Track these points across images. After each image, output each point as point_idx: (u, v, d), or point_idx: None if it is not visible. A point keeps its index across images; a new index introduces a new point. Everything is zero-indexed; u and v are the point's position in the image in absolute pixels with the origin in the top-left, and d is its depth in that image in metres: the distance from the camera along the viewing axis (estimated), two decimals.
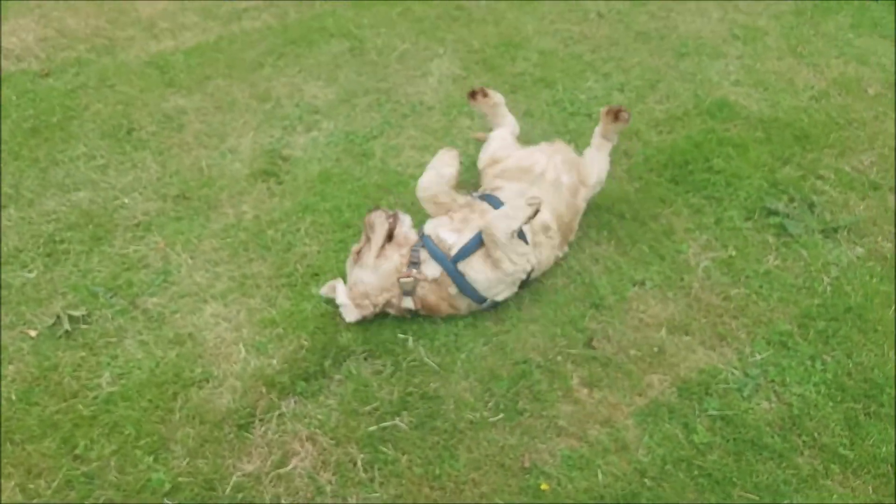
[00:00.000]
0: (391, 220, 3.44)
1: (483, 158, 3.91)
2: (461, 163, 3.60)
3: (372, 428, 3.11)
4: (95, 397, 3.25)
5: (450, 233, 3.37)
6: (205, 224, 4.02)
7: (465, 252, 3.28)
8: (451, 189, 3.47)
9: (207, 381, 3.32)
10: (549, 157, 3.74)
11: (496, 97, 4.00)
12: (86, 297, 3.65)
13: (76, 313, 3.57)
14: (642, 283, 3.65)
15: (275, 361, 3.37)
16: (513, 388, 3.22)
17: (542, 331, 3.45)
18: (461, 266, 3.30)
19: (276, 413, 3.19)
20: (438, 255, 3.31)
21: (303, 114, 4.78)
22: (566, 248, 3.69)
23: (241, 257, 3.83)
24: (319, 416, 3.16)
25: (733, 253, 3.78)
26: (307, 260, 3.81)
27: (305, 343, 3.42)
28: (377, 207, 3.49)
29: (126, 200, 4.19)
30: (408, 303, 3.37)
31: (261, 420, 3.17)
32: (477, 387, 3.24)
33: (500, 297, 3.40)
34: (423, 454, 3.03)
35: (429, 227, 3.43)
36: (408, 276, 3.31)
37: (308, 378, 3.30)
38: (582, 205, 3.79)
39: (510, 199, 3.40)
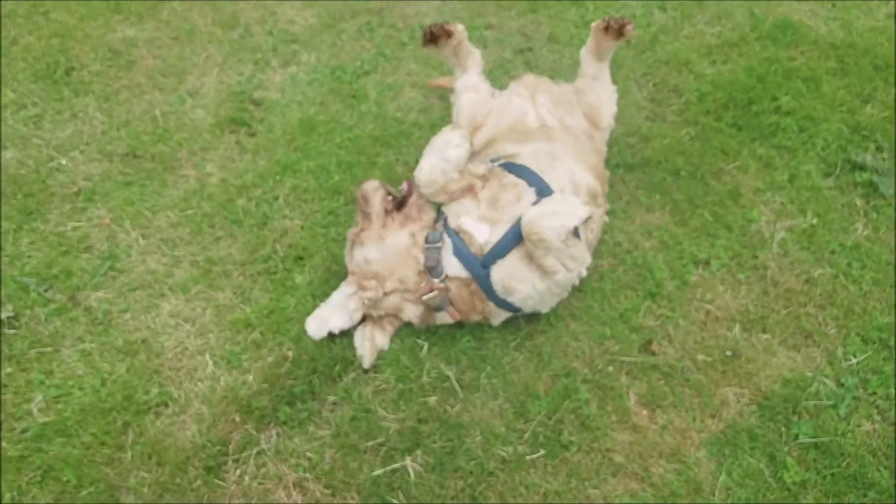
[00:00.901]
0: (404, 189, 2.69)
1: (463, 124, 2.96)
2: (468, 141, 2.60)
3: (377, 472, 2.44)
4: (24, 431, 2.56)
5: (480, 224, 2.53)
6: (160, 191, 3.24)
7: (501, 252, 2.48)
8: (461, 172, 2.57)
9: (167, 406, 2.63)
10: (533, 102, 2.95)
11: (459, 32, 2.93)
12: (13, 293, 2.91)
13: (3, 314, 2.83)
14: (707, 264, 2.93)
15: (251, 378, 2.67)
16: (554, 412, 2.55)
17: (586, 331, 2.75)
18: (497, 272, 2.49)
19: (255, 450, 2.51)
20: (466, 257, 2.51)
21: (277, 44, 3.91)
22: (607, 206, 2.94)
23: (205, 235, 3.07)
24: (310, 455, 2.49)
25: (814, 221, 3.05)
26: (288, 238, 3.05)
27: (289, 353, 2.72)
28: (370, 180, 2.71)
29: (63, 161, 3.38)
30: (443, 318, 2.64)
31: (235, 460, 2.50)
32: (509, 410, 2.56)
33: (546, 309, 2.66)
34: None
35: (451, 215, 2.61)
36: (430, 291, 2.55)
37: (293, 401, 2.61)
38: (604, 149, 3.03)
39: (547, 174, 2.60)
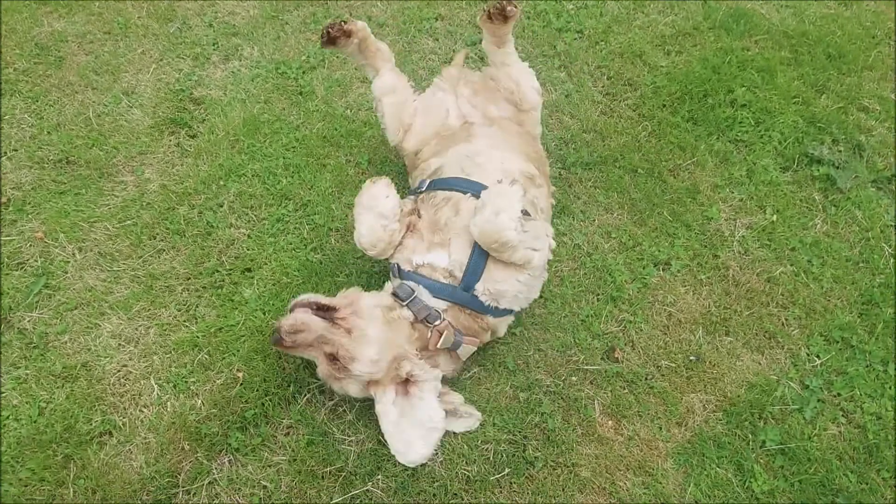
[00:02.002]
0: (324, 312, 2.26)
1: (391, 129, 2.81)
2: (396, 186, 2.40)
3: (337, 499, 2.34)
4: None
5: (432, 253, 2.36)
6: (96, 200, 3.05)
7: (475, 272, 2.31)
8: (399, 221, 2.38)
9: (111, 435, 2.48)
10: (455, 95, 2.83)
11: (360, 29, 2.68)
12: None
13: None
14: (667, 265, 2.88)
15: (200, 403, 2.53)
16: (518, 428, 2.47)
17: (549, 340, 2.67)
18: (481, 288, 2.32)
19: (207, 480, 2.39)
20: (445, 291, 2.33)
21: (218, 37, 3.70)
22: (552, 187, 2.84)
23: (145, 248, 2.90)
24: (265, 483, 2.38)
25: (773, 218, 3.02)
26: (235, 249, 2.90)
27: (239, 374, 2.59)
28: (279, 326, 2.20)
29: None
30: (466, 350, 2.40)
31: (186, 492, 2.37)
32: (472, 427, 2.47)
33: (537, 294, 2.51)
34: None
35: (402, 263, 2.41)
36: (439, 336, 2.31)
37: (246, 426, 2.49)
38: (537, 129, 2.89)
39: (476, 174, 2.48)
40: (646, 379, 2.60)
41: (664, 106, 3.41)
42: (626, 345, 2.68)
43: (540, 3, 3.83)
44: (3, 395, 2.55)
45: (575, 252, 2.91)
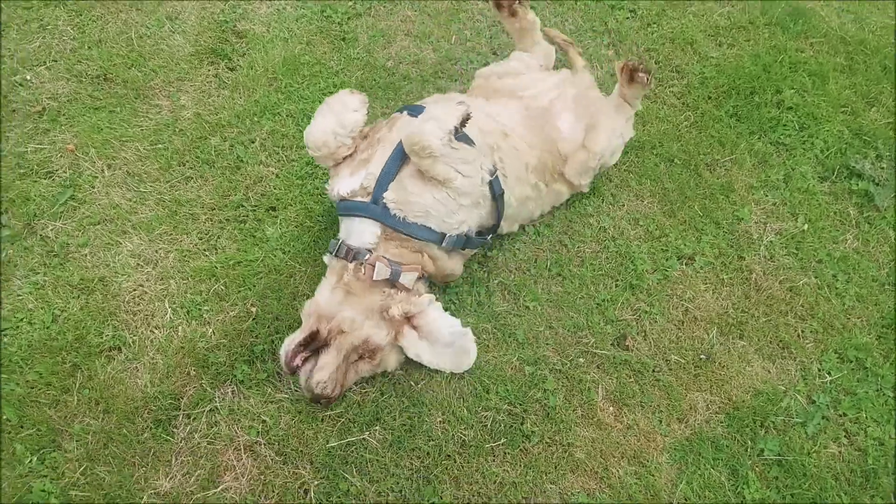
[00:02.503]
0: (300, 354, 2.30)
1: (487, 69, 2.92)
2: (369, 109, 2.47)
3: (333, 443, 2.37)
4: None
5: (356, 177, 2.38)
6: (130, 120, 3.05)
7: (384, 182, 2.30)
8: (353, 139, 2.44)
9: (119, 351, 2.51)
10: (555, 88, 2.82)
11: (526, 20, 2.90)
12: None
13: None
14: (691, 260, 2.85)
15: (211, 331, 2.56)
16: (520, 400, 2.48)
17: (562, 318, 2.67)
18: (391, 195, 2.30)
19: (208, 407, 2.42)
20: (357, 207, 2.34)
21: None
22: (585, 181, 2.83)
23: (174, 173, 2.91)
24: (265, 418, 2.41)
25: (805, 227, 2.97)
26: (262, 186, 2.90)
27: (253, 309, 2.61)
28: (290, 364, 2.28)
29: (28, 76, 3.16)
30: (407, 279, 2.38)
31: (187, 416, 2.41)
32: (473, 392, 2.49)
33: (466, 226, 2.44)
34: (396, 485, 2.32)
35: (332, 191, 2.46)
36: (370, 268, 2.33)
37: (253, 360, 2.51)
38: (573, 171, 2.77)
39: (431, 104, 2.49)
40: (653, 371, 2.59)
41: (709, 98, 3.35)
42: (638, 334, 2.67)
43: None
44: (20, 298, 2.58)
45: (600, 235, 2.89)
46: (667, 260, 2.84)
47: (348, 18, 3.50)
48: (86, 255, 2.69)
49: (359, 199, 2.35)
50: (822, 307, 2.78)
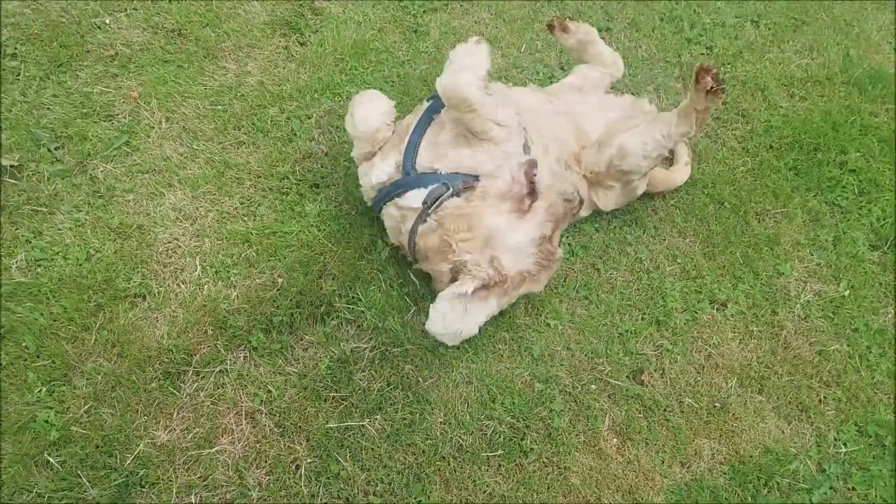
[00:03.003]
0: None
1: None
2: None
3: (332, 424, 2.38)
4: None
5: (386, 162, 2.44)
6: (196, 78, 3.11)
7: (414, 140, 2.37)
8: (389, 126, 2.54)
9: (144, 299, 2.57)
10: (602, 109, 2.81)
11: (580, 32, 2.89)
12: (23, 142, 2.83)
13: (5, 161, 2.76)
14: (724, 306, 2.79)
15: (234, 294, 2.60)
16: (524, 415, 2.46)
17: (581, 342, 2.64)
18: (421, 156, 2.36)
19: (218, 368, 2.46)
20: (397, 185, 2.40)
21: None
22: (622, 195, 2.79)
23: (228, 136, 2.96)
24: (271, 388, 2.43)
25: (846, 293, 2.88)
26: (310, 162, 2.94)
27: (279, 280, 2.64)
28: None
29: (107, 20, 3.25)
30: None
31: (196, 373, 2.45)
32: (479, 399, 2.48)
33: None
34: (386, 477, 2.32)
35: (367, 183, 2.53)
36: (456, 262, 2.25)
37: (270, 330, 2.54)
38: (588, 158, 2.68)
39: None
40: (664, 410, 2.54)
41: (771, 147, 3.27)
42: (655, 370, 2.62)
43: (678, 8, 3.70)
44: (60, 232, 2.66)
45: (635, 265, 2.85)
46: (699, 302, 2.79)
47: (424, 12, 3.52)
48: (129, 202, 2.76)
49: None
50: (849, 377, 2.70)
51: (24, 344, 2.41)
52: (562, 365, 2.58)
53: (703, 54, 3.55)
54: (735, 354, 2.70)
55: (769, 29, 3.75)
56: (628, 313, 2.73)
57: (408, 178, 2.33)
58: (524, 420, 2.45)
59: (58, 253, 2.61)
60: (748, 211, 3.05)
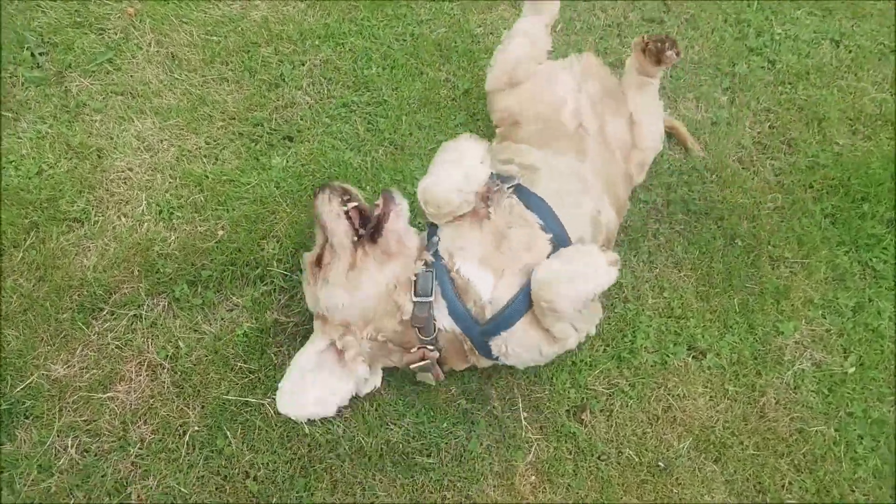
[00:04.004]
0: (379, 208, 2.02)
1: (496, 74, 2.41)
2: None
3: (231, 396, 2.22)
4: None
5: (482, 271, 1.97)
6: (199, 3, 2.94)
7: (508, 322, 1.95)
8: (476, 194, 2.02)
9: (81, 226, 2.47)
10: (579, 88, 2.37)
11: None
12: (9, 42, 2.74)
13: None
14: (702, 355, 2.47)
15: (172, 238, 2.46)
16: (438, 431, 2.24)
17: None
18: (500, 340, 1.98)
19: (133, 312, 2.34)
20: (463, 320, 1.97)
21: None
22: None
23: (214, 70, 2.80)
24: (181, 344, 2.30)
25: (852, 369, 2.50)
26: (290, 112, 2.75)
27: (221, 232, 2.48)
28: (327, 186, 2.01)
29: None
30: (426, 378, 2.14)
31: (111, 313, 2.34)
32: (393, 403, 2.27)
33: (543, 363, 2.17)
34: (272, 464, 2.16)
35: (445, 240, 2.04)
36: (422, 359, 2.03)
37: (197, 283, 2.40)
38: (640, 177, 2.56)
39: (567, 208, 2.09)
40: (598, 457, 2.27)
41: (810, 187, 2.86)
42: (601, 411, 2.34)
43: (747, 11, 3.26)
44: (19, 141, 2.57)
45: (613, 290, 2.54)
46: (674, 345, 2.48)
47: None
48: (95, 122, 2.65)
49: (468, 306, 1.98)
50: (827, 466, 2.34)
51: None
52: (496, 385, 2.33)
53: (762, 67, 3.13)
54: (699, 412, 2.38)
55: (849, 52, 3.27)
56: (589, 341, 2.45)
57: (478, 340, 2.03)
58: (436, 436, 2.23)
59: (11, 162, 2.54)
60: (762, 253, 2.68)
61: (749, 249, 2.68)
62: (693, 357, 2.47)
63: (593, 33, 3.09)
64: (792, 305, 2.59)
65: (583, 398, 2.35)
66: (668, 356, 2.45)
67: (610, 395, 2.37)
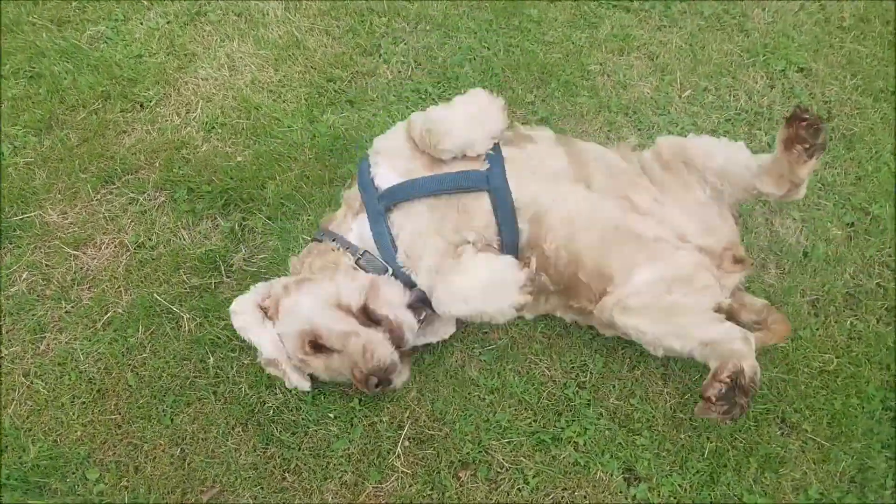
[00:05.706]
0: None
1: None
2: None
3: (161, 297, 2.32)
4: None
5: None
6: None
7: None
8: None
9: (141, 109, 2.73)
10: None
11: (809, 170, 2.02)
12: None
13: None
14: (635, 481, 2.14)
15: (202, 148, 2.64)
16: (318, 417, 2.17)
17: (441, 398, 2.21)
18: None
19: (134, 196, 2.53)
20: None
21: None
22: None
23: (324, 22, 2.92)
24: (154, 236, 2.47)
25: None
26: (367, 81, 2.81)
27: (240, 158, 2.61)
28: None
29: None
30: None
31: (118, 189, 2.57)
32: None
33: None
34: (159, 369, 2.24)
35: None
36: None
37: (195, 192, 2.54)
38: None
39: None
40: None
41: (887, 369, 2.33)
42: (485, 479, 2.10)
43: (886, 151, 2.72)
44: (141, 26, 2.88)
45: (575, 368, 2.27)
46: (610, 456, 2.16)
47: None
48: (205, 32, 2.89)
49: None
50: None
51: (37, 89, 2.69)
52: (398, 402, 2.19)
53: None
54: None
55: None
56: (518, 407, 2.21)
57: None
58: (310, 420, 2.16)
59: (124, 41, 2.84)
60: (776, 412, 2.26)
61: (762, 399, 2.24)
62: (622, 477, 2.13)
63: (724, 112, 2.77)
64: (777, 482, 2.13)
65: (476, 458, 2.13)
66: (595, 464, 2.13)
67: (505, 470, 2.12)
